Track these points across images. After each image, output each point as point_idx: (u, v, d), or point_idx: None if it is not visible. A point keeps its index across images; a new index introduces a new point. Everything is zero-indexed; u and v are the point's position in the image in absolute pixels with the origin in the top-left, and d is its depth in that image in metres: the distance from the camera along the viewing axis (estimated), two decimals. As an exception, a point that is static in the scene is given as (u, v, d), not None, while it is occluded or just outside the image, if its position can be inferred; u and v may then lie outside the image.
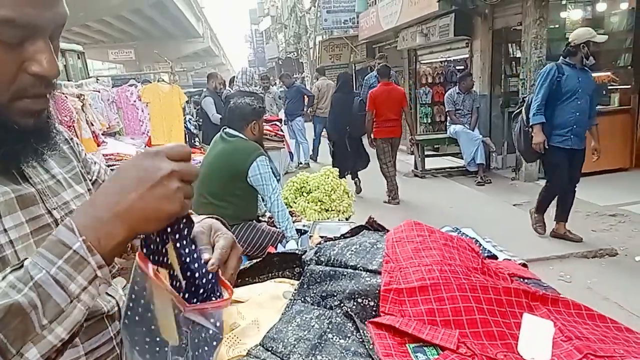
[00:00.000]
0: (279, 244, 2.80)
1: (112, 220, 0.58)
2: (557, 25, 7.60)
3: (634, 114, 6.97)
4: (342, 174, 5.80)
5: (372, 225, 1.25)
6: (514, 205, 6.04)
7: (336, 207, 3.77)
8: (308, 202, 3.75)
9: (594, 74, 4.62)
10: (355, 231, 1.24)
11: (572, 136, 4.32)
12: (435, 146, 8.90)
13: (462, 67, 9.15)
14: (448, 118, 7.96)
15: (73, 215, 0.61)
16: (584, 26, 7.88)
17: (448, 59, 9.94)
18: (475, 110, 7.45)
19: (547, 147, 4.35)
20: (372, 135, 6.34)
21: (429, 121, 10.54)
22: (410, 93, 10.90)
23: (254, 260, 1.30)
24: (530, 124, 4.39)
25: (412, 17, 8.99)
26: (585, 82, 4.32)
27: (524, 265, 1.43)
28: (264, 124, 3.36)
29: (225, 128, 3.12)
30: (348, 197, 3.92)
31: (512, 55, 7.97)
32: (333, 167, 6.57)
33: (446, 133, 7.97)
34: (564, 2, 7.44)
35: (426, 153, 8.21)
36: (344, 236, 1.22)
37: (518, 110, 4.72)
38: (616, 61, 7.29)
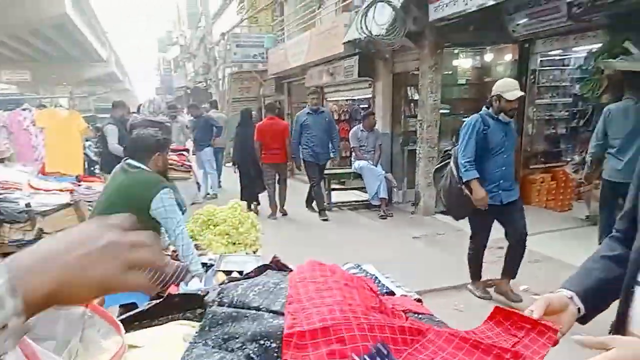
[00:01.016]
0: (182, 282, 2.71)
1: (45, 270, 0.56)
2: (450, 72, 8.29)
3: (518, 154, 7.70)
4: (252, 199, 7.89)
5: (277, 265, 1.26)
6: (413, 237, 6.35)
7: (244, 241, 3.73)
8: (215, 235, 3.68)
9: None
10: (259, 270, 1.24)
11: (500, 191, 4.04)
12: (341, 180, 9.17)
13: (366, 106, 9.59)
14: (353, 154, 8.28)
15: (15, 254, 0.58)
16: (474, 73, 8.77)
17: (353, 97, 10.38)
18: (378, 148, 7.82)
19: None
20: (261, 161, 7.56)
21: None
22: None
23: (153, 302, 1.24)
24: (464, 180, 4.03)
25: (318, 56, 9.32)
26: (511, 134, 4.10)
27: (419, 300, 1.52)
28: (170, 153, 3.28)
29: (127, 159, 3.00)
30: (256, 230, 3.90)
31: (410, 98, 8.52)
32: (241, 194, 7.92)
33: (351, 168, 8.27)
34: (456, 51, 8.15)
35: (332, 187, 8.44)
36: (248, 275, 1.22)
37: (442, 164, 4.38)
38: (501, 107, 8.04)
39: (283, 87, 13.00)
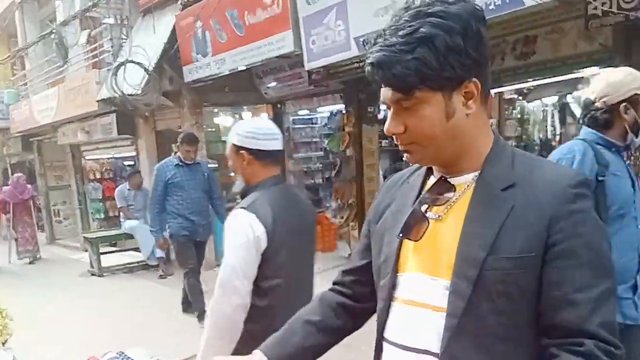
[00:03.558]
0: None
1: None
2: (214, 129, 8.61)
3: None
4: None
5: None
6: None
7: (-14, 331, 3.22)
8: (-57, 328, 3.10)
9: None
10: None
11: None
12: (113, 242, 8.62)
13: (132, 163, 9.26)
14: (121, 214, 7.91)
15: None
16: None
17: (116, 155, 9.92)
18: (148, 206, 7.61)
19: None
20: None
21: (103, 217, 10.13)
22: (78, 189, 10.56)
23: None
24: None
25: (70, 114, 8.56)
26: None
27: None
28: None
29: None
30: (2, 317, 3.39)
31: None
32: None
33: (121, 229, 7.87)
34: (216, 110, 8.52)
35: (102, 250, 7.93)
36: None
37: None
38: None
39: (32, 146, 11.68)
